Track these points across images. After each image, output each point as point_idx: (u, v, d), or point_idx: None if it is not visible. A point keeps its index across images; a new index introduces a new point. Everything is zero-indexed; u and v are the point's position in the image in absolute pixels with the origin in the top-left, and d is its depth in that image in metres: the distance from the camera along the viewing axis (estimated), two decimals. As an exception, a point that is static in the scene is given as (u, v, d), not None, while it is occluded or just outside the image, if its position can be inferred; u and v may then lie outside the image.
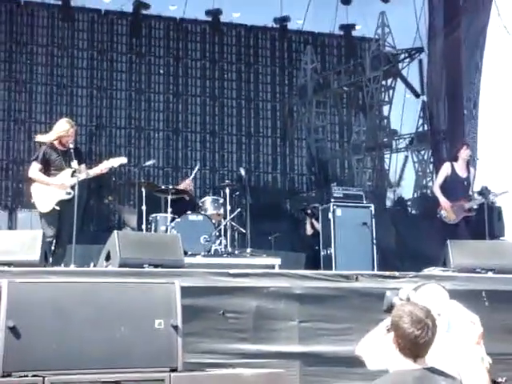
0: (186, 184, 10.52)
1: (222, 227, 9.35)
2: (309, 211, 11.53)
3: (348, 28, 16.39)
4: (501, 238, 11.05)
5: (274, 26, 16.37)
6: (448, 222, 8.86)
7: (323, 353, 5.82)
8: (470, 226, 8.86)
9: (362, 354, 3.86)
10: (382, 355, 3.57)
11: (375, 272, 7.52)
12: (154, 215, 9.37)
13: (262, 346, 5.72)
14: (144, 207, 9.40)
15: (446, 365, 3.46)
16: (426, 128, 15.03)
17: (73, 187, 7.44)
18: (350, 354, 4.23)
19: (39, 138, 7.98)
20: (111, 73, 15.54)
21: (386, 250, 11.57)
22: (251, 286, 5.85)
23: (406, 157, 15.53)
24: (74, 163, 7.49)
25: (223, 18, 15.93)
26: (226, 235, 9.38)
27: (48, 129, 8.70)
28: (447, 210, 8.85)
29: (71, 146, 7.55)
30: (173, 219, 9.14)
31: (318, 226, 10.47)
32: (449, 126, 14.22)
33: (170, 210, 9.20)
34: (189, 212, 9.32)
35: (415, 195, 15.29)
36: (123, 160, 7.94)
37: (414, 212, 15.31)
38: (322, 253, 10.03)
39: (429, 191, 14.20)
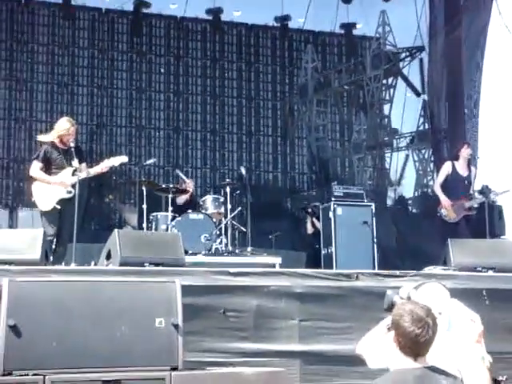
0: (187, 184, 10.53)
1: (223, 226, 9.35)
2: (309, 210, 11.54)
3: (349, 27, 16.39)
4: (501, 237, 11.05)
5: (275, 24, 16.39)
6: (448, 221, 8.87)
7: (324, 351, 5.81)
8: (470, 224, 8.87)
9: (363, 353, 3.86)
10: (383, 354, 3.57)
11: (376, 271, 7.51)
12: (154, 214, 9.37)
13: (262, 345, 5.72)
14: (145, 206, 9.40)
15: (446, 363, 3.46)
16: (426, 127, 15.02)
17: (73, 186, 7.44)
18: (351, 352, 4.23)
19: (40, 137, 7.99)
20: (112, 71, 15.54)
21: (386, 248, 11.57)
22: (252, 284, 5.85)
23: (407, 155, 15.53)
24: (75, 162, 7.49)
25: (224, 17, 15.93)
26: (226, 234, 9.38)
27: (49, 127, 8.72)
28: (447, 209, 8.85)
29: (72, 144, 7.55)
30: (173, 218, 9.15)
31: (319, 224, 10.47)
32: (449, 124, 14.22)
33: (170, 208, 9.20)
34: (189, 211, 9.32)
35: (416, 194, 15.28)
36: (124, 159, 7.94)
37: (414, 211, 15.30)
38: (322, 252, 10.02)
39: (429, 190, 14.19)
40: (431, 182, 14.24)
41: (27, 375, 4.02)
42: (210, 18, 15.91)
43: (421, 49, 14.93)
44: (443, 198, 8.90)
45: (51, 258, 7.03)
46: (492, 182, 10.45)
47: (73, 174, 7.48)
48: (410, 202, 15.45)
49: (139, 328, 4.36)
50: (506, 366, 4.93)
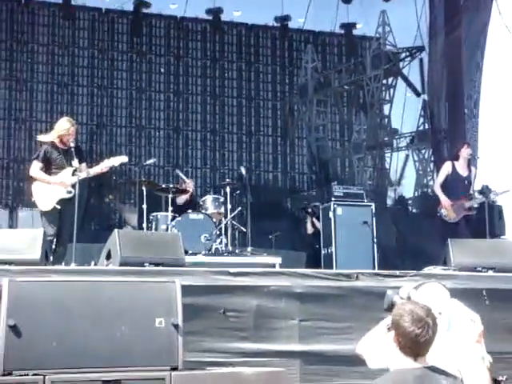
0: (187, 184, 10.53)
1: (223, 226, 9.35)
2: (309, 210, 11.54)
3: (349, 27, 16.40)
4: (501, 237, 11.05)
5: (275, 24, 16.39)
6: (448, 221, 8.87)
7: (324, 351, 5.81)
8: (470, 224, 8.86)
9: (363, 353, 3.86)
10: (383, 354, 3.57)
11: (376, 271, 7.52)
12: (154, 214, 9.37)
13: (262, 345, 5.72)
14: (145, 206, 9.40)
15: (446, 363, 3.46)
16: (426, 127, 15.02)
17: (73, 186, 7.44)
18: (351, 352, 4.23)
19: (40, 137, 7.99)
20: (112, 71, 15.54)
21: (386, 248, 11.57)
22: (252, 284, 5.85)
23: (407, 155, 15.53)
24: (75, 162, 7.49)
25: (224, 17, 15.94)
26: (226, 234, 9.38)
27: (49, 127, 8.72)
28: (447, 209, 8.85)
29: (72, 144, 7.55)
30: (173, 218, 9.15)
31: (319, 224, 10.47)
32: (449, 124, 14.22)
33: (170, 208, 9.20)
34: (189, 211, 9.32)
35: (416, 194, 15.28)
36: (124, 159, 7.94)
37: (414, 211, 15.31)
38: (322, 252, 10.02)
39: (429, 190, 14.19)
40: (431, 182, 14.24)
41: (27, 375, 4.02)
42: (210, 18, 15.92)
43: (421, 49, 14.93)
44: (443, 198, 8.91)
45: (51, 258, 7.03)
46: (492, 182, 10.46)
47: (73, 174, 7.48)
48: (410, 202, 15.45)
49: (139, 328, 4.36)
50: (506, 366, 4.93)
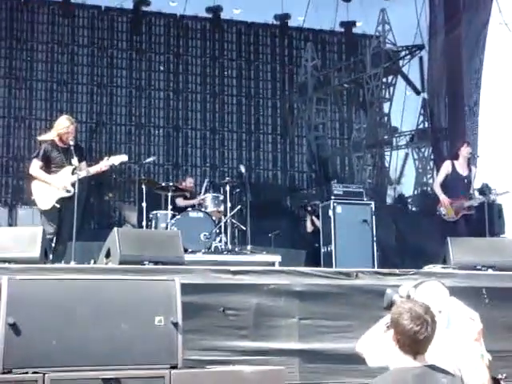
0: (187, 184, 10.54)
1: (222, 224, 9.35)
2: (309, 208, 11.54)
3: (348, 25, 16.40)
4: (501, 236, 11.05)
5: (275, 23, 16.40)
6: (447, 220, 8.86)
7: (323, 350, 5.81)
8: (469, 223, 8.86)
9: (363, 351, 3.86)
10: (382, 352, 3.57)
11: (375, 269, 7.52)
12: (154, 212, 9.38)
13: (262, 343, 5.71)
14: (144, 204, 9.40)
15: (445, 362, 3.46)
16: (426, 125, 15.03)
17: (73, 185, 7.43)
18: (350, 351, 4.24)
19: (40, 137, 7.98)
20: (111, 70, 15.55)
21: (386, 247, 11.58)
22: (251, 283, 5.84)
23: (407, 154, 15.54)
24: (75, 160, 7.47)
25: (223, 15, 15.95)
26: (226, 232, 9.38)
27: (48, 126, 8.72)
28: (446, 207, 8.84)
29: (71, 142, 7.53)
30: (173, 216, 9.15)
31: (319, 223, 10.47)
32: (449, 123, 14.22)
33: (170, 207, 9.20)
34: (189, 209, 9.32)
35: (415, 192, 15.29)
36: (124, 158, 7.92)
37: (414, 209, 15.31)
38: (322, 250, 10.03)
39: (429, 188, 14.19)
40: (431, 181, 14.24)
41: (27, 373, 4.02)
42: (210, 16, 15.93)
43: (421, 47, 14.93)
44: (442, 197, 8.90)
45: (51, 256, 7.03)
46: (492, 181, 10.47)
47: (72, 173, 7.47)
48: (409, 200, 15.45)
49: (139, 326, 4.36)
50: (505, 364, 4.94)
